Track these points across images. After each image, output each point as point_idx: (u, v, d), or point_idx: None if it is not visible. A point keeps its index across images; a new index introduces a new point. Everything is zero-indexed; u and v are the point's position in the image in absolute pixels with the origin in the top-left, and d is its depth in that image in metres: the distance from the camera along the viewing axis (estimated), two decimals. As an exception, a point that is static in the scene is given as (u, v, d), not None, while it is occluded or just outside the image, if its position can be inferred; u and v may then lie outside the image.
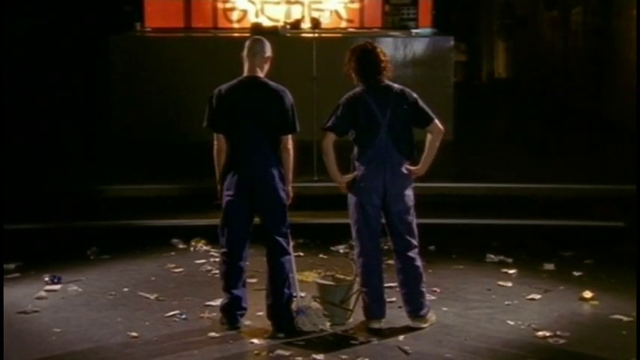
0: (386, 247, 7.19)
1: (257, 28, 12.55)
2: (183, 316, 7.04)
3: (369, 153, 6.70)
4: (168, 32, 13.56)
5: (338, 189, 6.91)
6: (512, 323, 6.89)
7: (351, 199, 6.81)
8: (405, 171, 6.73)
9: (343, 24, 13.80)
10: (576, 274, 8.09)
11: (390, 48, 12.34)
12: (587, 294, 7.43)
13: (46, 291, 7.64)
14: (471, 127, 13.87)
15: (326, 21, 13.45)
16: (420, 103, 6.77)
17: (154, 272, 8.21)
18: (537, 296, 7.49)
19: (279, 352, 6.34)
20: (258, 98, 6.70)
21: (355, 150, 6.79)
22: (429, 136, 6.80)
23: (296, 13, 13.61)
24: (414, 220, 6.81)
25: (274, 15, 13.63)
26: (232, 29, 13.74)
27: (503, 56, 19.95)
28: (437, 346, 6.46)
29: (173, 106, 12.64)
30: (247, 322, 6.84)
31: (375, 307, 6.78)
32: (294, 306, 6.71)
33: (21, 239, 8.86)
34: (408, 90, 6.81)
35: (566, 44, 16.61)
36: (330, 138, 6.73)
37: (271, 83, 6.76)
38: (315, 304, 6.75)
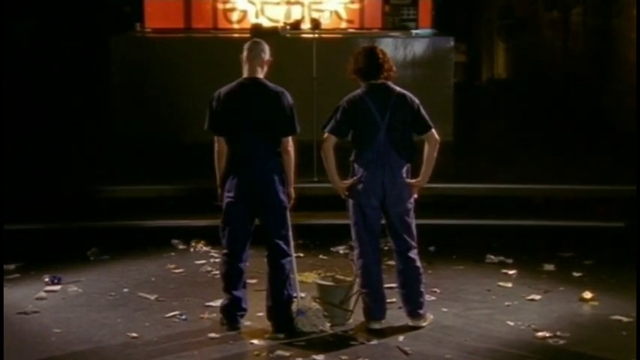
0: (386, 248, 7.20)
1: (257, 29, 12.54)
2: (184, 317, 7.05)
3: (368, 155, 6.71)
4: (168, 33, 13.54)
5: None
6: (512, 324, 6.90)
7: (350, 200, 6.82)
8: (404, 174, 6.75)
9: (343, 25, 13.78)
10: (576, 274, 8.10)
11: (390, 48, 12.31)
12: (587, 294, 7.44)
13: (46, 291, 7.65)
14: (470, 127, 13.88)
15: (326, 22, 13.43)
16: (421, 110, 6.78)
17: (154, 273, 8.22)
18: (537, 297, 7.49)
19: (279, 352, 6.35)
20: (257, 100, 6.70)
21: (354, 152, 6.80)
22: (426, 148, 6.80)
23: (296, 13, 13.59)
24: (413, 222, 6.82)
25: (274, 16, 13.61)
26: (232, 30, 13.72)
27: (503, 57, 19.95)
28: (437, 347, 6.47)
29: (173, 107, 12.64)
30: (247, 323, 6.85)
31: (374, 307, 6.79)
32: (294, 307, 6.71)
33: (21, 239, 8.86)
34: (410, 95, 6.82)
35: (567, 45, 16.61)
36: (331, 142, 6.75)
37: (270, 85, 6.76)
38: (315, 305, 6.76)
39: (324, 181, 7.39)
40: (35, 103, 14.28)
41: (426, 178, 6.82)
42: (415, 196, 6.85)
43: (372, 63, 6.75)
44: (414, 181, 6.81)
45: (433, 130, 6.80)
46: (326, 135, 6.78)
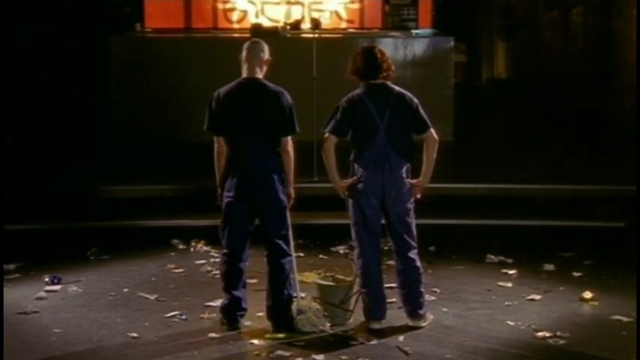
0: (386, 248, 7.20)
1: (257, 29, 12.54)
2: (184, 317, 7.05)
3: (367, 155, 6.71)
4: (168, 33, 13.55)
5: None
6: (512, 324, 6.89)
7: (350, 200, 6.82)
8: (404, 174, 6.74)
9: (343, 24, 13.80)
10: (576, 274, 8.10)
11: (389, 48, 12.33)
12: (587, 294, 7.44)
13: (46, 291, 7.65)
14: (470, 127, 13.87)
15: (326, 21, 13.45)
16: (420, 109, 6.77)
17: (154, 273, 8.22)
18: (537, 297, 7.49)
19: (279, 352, 6.35)
20: (256, 100, 6.70)
21: (353, 152, 6.80)
22: (425, 148, 6.80)
23: (296, 13, 13.61)
24: (413, 222, 6.82)
25: (274, 15, 13.62)
26: (232, 30, 13.73)
27: (503, 57, 19.94)
28: (437, 347, 6.47)
29: (173, 107, 12.63)
30: (247, 323, 6.85)
31: (375, 307, 6.78)
32: (294, 307, 6.71)
33: (21, 239, 8.86)
34: (409, 95, 6.81)
35: (567, 45, 16.61)
36: (331, 142, 6.75)
37: (270, 84, 6.75)
38: (315, 305, 6.76)
39: (324, 181, 7.39)
40: (35, 102, 14.27)
41: (427, 178, 6.82)
42: (418, 196, 6.84)
43: (370, 63, 6.75)
44: (415, 181, 6.81)
45: (432, 130, 6.79)
46: (327, 135, 6.78)
